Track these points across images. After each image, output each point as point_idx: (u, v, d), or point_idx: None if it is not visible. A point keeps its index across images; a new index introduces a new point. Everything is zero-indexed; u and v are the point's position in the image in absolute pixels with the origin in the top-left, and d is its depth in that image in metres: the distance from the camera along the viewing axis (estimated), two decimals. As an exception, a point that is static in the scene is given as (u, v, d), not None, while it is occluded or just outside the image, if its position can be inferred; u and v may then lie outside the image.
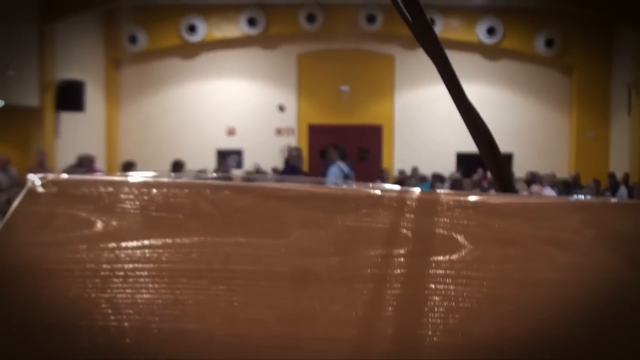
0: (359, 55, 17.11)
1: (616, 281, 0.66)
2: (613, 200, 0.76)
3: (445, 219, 0.69)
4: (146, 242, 0.66)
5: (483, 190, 11.30)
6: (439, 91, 17.47)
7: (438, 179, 14.29)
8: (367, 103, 17.36)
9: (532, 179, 13.70)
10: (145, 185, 0.71)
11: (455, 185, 12.60)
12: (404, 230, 0.68)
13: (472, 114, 1.15)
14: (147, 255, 0.65)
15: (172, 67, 17.54)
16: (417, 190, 0.72)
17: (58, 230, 0.67)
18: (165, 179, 0.73)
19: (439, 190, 0.76)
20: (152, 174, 0.75)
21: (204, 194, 0.70)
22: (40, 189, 0.70)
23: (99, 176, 0.74)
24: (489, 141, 1.18)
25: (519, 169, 16.86)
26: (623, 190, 13.19)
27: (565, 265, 0.66)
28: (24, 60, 13.39)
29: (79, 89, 14.56)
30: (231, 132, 17.48)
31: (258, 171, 14.41)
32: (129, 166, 12.93)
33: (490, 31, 16.86)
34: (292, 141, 16.92)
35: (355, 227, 0.68)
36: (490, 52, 17.38)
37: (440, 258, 0.66)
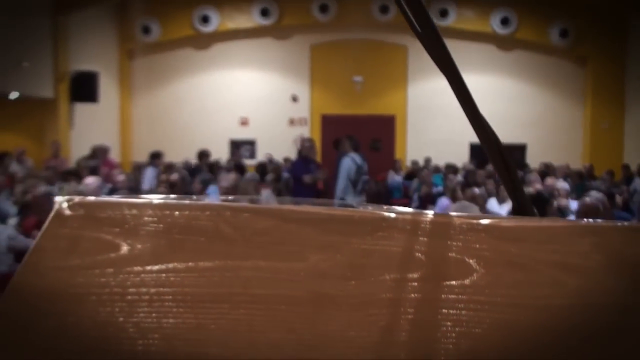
0: (372, 45, 17.06)
1: (624, 306, 0.68)
2: (622, 224, 0.78)
3: (458, 243, 0.72)
4: (170, 265, 0.69)
5: (497, 181, 11.26)
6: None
7: (451, 169, 14.28)
8: (380, 93, 17.34)
9: (546, 170, 13.67)
10: (168, 207, 0.74)
11: (469, 176, 12.59)
12: (418, 254, 0.70)
13: (484, 129, 1.17)
14: (172, 279, 0.68)
15: (185, 57, 17.57)
16: (430, 212, 0.74)
17: (85, 254, 0.70)
18: (187, 201, 0.75)
19: (453, 214, 0.78)
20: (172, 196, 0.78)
21: (225, 216, 0.73)
22: (68, 212, 0.73)
23: (123, 198, 0.77)
24: (502, 156, 1.20)
25: (533, 160, 16.81)
26: (637, 182, 13.10)
27: (574, 291, 0.68)
28: (38, 52, 13.46)
29: (93, 80, 14.63)
30: (244, 122, 17.51)
31: (271, 161, 14.43)
32: (156, 156, 13.05)
33: (504, 22, 16.76)
34: (305, 131, 16.93)
35: (371, 250, 0.71)
36: (504, 43, 17.28)
37: (453, 283, 0.68)
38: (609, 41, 16.67)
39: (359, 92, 17.21)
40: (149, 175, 11.65)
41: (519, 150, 17.71)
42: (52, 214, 0.74)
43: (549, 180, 10.24)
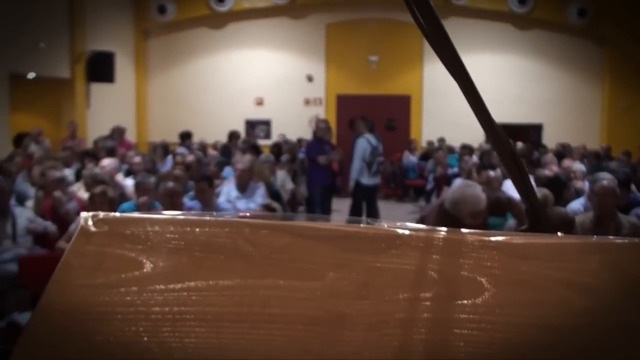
0: (388, 25, 16.96)
1: (630, 326, 0.69)
2: (632, 240, 0.80)
3: (470, 261, 0.74)
4: (191, 284, 0.71)
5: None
6: (468, 62, 17.14)
7: (467, 150, 14.23)
8: (396, 73, 17.26)
9: (563, 151, 13.59)
10: (189, 224, 0.76)
11: (484, 156, 12.56)
12: (431, 272, 0.73)
13: (498, 137, 1.18)
14: (193, 298, 0.70)
15: (200, 37, 17.56)
16: (443, 230, 0.76)
17: (110, 272, 0.72)
18: (207, 217, 0.78)
19: (465, 231, 0.80)
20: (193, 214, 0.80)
21: (244, 233, 0.75)
22: (93, 228, 0.76)
23: (146, 214, 0.79)
24: (515, 161, 1.21)
25: (549, 140, 16.71)
26: (655, 163, 13.01)
27: (581, 310, 0.70)
28: (55, 32, 13.52)
29: (109, 60, 14.69)
30: (259, 102, 17.51)
31: (286, 142, 14.43)
32: (186, 136, 13.16)
33: (522, 0, 16.60)
34: (320, 111, 16.92)
35: (385, 268, 0.73)
36: (521, 22, 17.12)
37: (465, 302, 0.70)
38: (627, 20, 16.46)
39: (374, 72, 17.15)
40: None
41: (536, 130, 17.62)
42: (77, 230, 0.76)
43: (566, 162, 10.19)
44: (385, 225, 0.80)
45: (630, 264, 0.75)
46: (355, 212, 10.60)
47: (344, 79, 17.31)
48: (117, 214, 0.79)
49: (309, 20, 17.37)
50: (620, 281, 0.73)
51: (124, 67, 15.95)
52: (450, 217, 4.34)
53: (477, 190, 4.34)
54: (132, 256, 0.73)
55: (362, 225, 0.80)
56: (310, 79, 17.25)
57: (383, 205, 12.66)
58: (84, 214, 0.78)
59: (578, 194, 7.58)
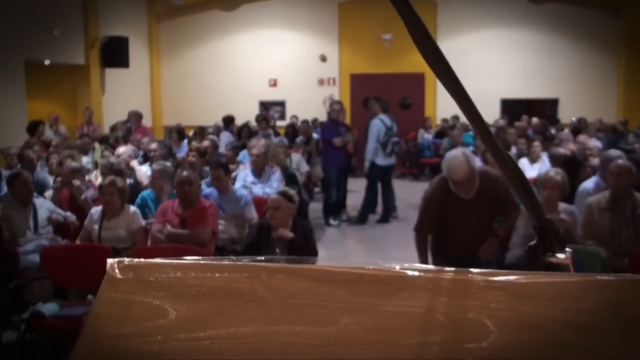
0: (401, 2, 16.85)
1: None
2: (632, 277, 0.83)
3: (476, 302, 0.78)
4: (213, 332, 0.76)
5: (529, 138, 11.17)
6: (482, 38, 17.24)
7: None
8: (409, 51, 17.11)
9: (578, 127, 13.51)
10: (209, 269, 0.81)
11: (499, 133, 12.52)
12: (439, 315, 0.77)
13: (504, 160, 1.22)
14: (215, 346, 0.75)
15: (213, 19, 17.55)
16: (450, 271, 0.80)
17: (137, 321, 0.77)
18: (226, 262, 0.82)
19: (472, 271, 0.83)
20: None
21: (261, 278, 0.79)
22: (119, 275, 0.81)
23: (168, 260, 0.84)
24: (522, 180, 1.25)
25: (565, 115, 16.61)
26: (672, 136, 12.91)
27: (582, 351, 0.74)
28: (68, 19, 13.57)
29: (123, 45, 14.74)
30: (273, 83, 17.52)
31: (304, 121, 14.43)
32: (230, 120, 13.27)
33: (536, -26, 16.43)
34: (334, 91, 16.90)
35: (396, 312, 0.77)
36: (535, -5, 16.97)
37: (472, 345, 0.75)
38: (643, -9, 16.26)
39: (387, 50, 17.07)
40: (224, 140, 11.91)
41: (552, 104, 17.50)
42: (105, 277, 0.81)
43: (581, 138, 10.14)
44: (397, 267, 0.84)
45: (631, 302, 0.78)
46: (370, 192, 10.63)
47: (358, 58, 17.26)
48: (142, 260, 0.84)
49: (321, 0, 17.30)
50: (620, 320, 0.77)
51: (137, 52, 16.00)
52: (445, 181, 4.78)
53: (456, 162, 4.63)
54: (157, 304, 0.78)
55: (373, 267, 0.84)
56: (323, 59, 17.21)
57: (398, 184, 12.69)
58: (110, 261, 0.83)
59: (595, 172, 7.52)
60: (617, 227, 5.22)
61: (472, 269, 0.85)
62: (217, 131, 13.27)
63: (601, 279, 0.84)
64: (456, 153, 4.83)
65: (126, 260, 0.82)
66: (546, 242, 1.34)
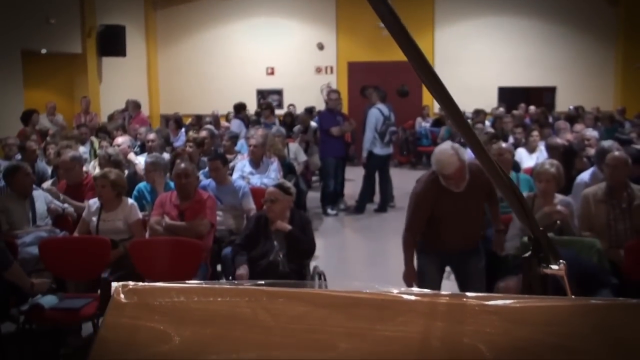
0: (398, -10, 16.81)
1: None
2: (623, 301, 0.85)
3: (471, 327, 0.80)
4: (215, 357, 0.78)
5: (526, 127, 11.18)
6: (479, 25, 17.21)
7: (480, 115, 14.20)
8: (407, 39, 17.14)
9: (576, 114, 13.52)
10: (212, 293, 0.83)
11: (496, 122, 12.55)
12: (435, 341, 0.79)
13: (501, 178, 1.24)
14: (218, 374, 0.77)
15: (210, 7, 17.48)
16: (446, 295, 0.82)
17: (142, 346, 0.79)
18: (227, 286, 0.84)
19: (467, 295, 0.86)
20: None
21: (262, 302, 0.82)
22: (124, 299, 0.83)
23: (172, 284, 0.86)
24: (517, 195, 1.28)
25: (563, 103, 16.63)
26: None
27: (573, 377, 0.77)
28: (65, 7, 13.52)
29: (120, 34, 14.68)
30: (271, 72, 17.50)
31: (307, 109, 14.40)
32: (240, 107, 13.26)
33: (534, -38, 16.38)
34: (332, 79, 16.88)
35: (393, 337, 0.79)
36: (533, -17, 16.93)
37: (466, 371, 0.77)
38: (641, -21, 16.23)
39: (385, 39, 16.92)
40: (234, 127, 11.93)
41: (550, 92, 17.50)
42: (110, 302, 0.83)
43: (578, 127, 10.14)
44: (395, 291, 0.86)
45: (621, 326, 0.81)
46: (368, 182, 10.66)
47: (355, 46, 17.22)
48: (146, 284, 0.86)
49: (318, -13, 17.27)
50: (609, 344, 0.79)
51: (134, 40, 15.96)
52: (435, 176, 4.67)
53: (446, 156, 4.54)
54: (161, 329, 0.80)
55: (370, 291, 0.86)
56: (321, 47, 17.19)
57: (396, 173, 12.71)
58: (115, 284, 0.85)
59: (592, 162, 7.53)
60: (614, 218, 5.25)
61: (467, 293, 0.87)
62: (216, 121, 13.25)
63: (593, 303, 0.86)
64: (445, 147, 4.77)
65: (130, 284, 0.84)
66: (540, 253, 1.37)
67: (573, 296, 1.37)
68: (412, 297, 0.83)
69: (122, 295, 0.83)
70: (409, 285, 4.70)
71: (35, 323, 5.18)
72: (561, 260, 1.36)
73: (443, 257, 4.87)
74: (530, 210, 1.28)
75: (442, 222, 4.71)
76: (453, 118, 1.08)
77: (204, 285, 0.84)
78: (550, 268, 1.35)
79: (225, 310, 0.81)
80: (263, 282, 0.81)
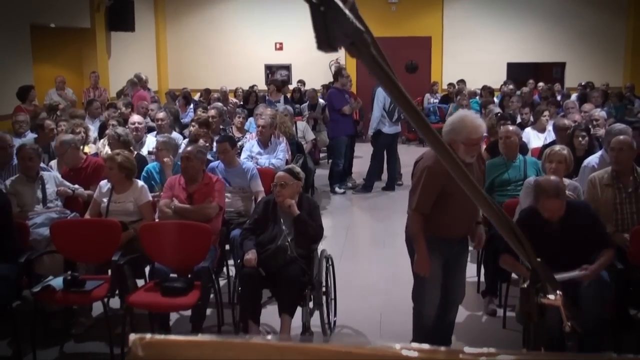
0: (408, -36, 16.72)
1: None
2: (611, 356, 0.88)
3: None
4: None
5: (534, 105, 11.15)
6: (489, 1, 17.05)
7: (488, 92, 14.15)
8: (416, 15, 17.05)
9: (585, 93, 13.44)
10: (223, 347, 0.86)
11: (504, 100, 12.51)
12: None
13: (495, 212, 1.27)
14: None
15: (218, -19, 17.41)
16: (445, 351, 0.85)
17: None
18: (238, 340, 0.88)
19: (466, 349, 0.88)
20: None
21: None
22: (141, 353, 0.87)
23: (189, 337, 0.89)
24: (513, 230, 1.31)
25: (572, 79, 16.54)
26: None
27: None
28: (73, -18, 13.48)
29: (129, 8, 14.62)
30: (279, 47, 17.44)
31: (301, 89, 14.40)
32: (283, 83, 13.32)
33: None
34: (340, 55, 16.80)
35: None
36: (544, -43, 16.76)
37: None
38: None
39: (394, 14, 16.95)
40: (280, 106, 11.98)
41: (559, 67, 17.41)
42: (127, 356, 0.87)
43: (587, 106, 10.09)
44: (397, 346, 0.89)
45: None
46: (376, 160, 10.67)
47: (365, 21, 17.11)
48: (164, 337, 0.89)
49: (327, -39, 17.08)
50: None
51: (143, 15, 15.91)
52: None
53: (472, 119, 4.30)
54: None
55: (372, 346, 0.89)
56: (330, 22, 17.08)
57: (404, 150, 12.73)
58: (132, 336, 0.88)
59: (600, 143, 7.49)
60: (620, 202, 5.25)
61: (465, 348, 0.91)
62: (225, 96, 13.22)
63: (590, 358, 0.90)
64: (466, 112, 4.57)
65: (147, 336, 0.88)
66: (538, 284, 1.41)
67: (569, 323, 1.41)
68: (414, 353, 0.86)
69: (139, 349, 0.87)
70: (425, 273, 4.43)
71: (48, 305, 5.27)
72: (558, 291, 1.40)
73: (444, 247, 4.52)
74: (526, 241, 1.31)
75: (450, 201, 4.27)
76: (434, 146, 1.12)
77: (220, 340, 0.87)
78: (548, 298, 1.39)
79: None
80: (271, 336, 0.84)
